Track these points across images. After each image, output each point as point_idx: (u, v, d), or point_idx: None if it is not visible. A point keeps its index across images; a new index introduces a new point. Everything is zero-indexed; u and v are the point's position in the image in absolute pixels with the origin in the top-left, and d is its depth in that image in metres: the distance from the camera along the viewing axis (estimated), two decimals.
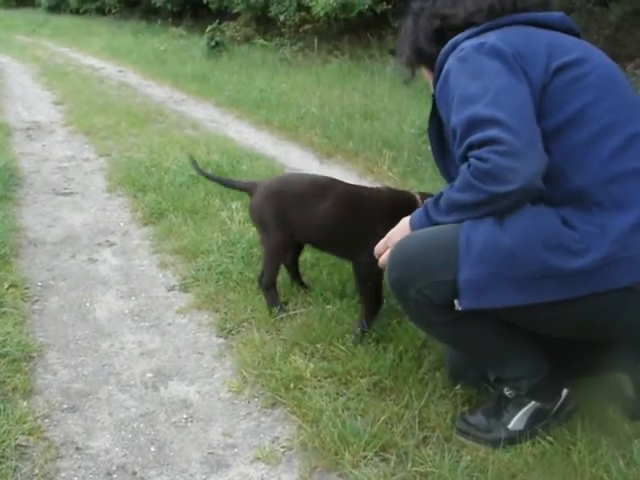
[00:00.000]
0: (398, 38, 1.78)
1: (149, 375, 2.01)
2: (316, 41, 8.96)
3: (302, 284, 2.45)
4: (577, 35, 1.58)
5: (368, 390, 1.83)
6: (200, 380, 1.98)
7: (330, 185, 2.19)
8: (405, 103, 5.51)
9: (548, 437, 1.61)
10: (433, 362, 1.93)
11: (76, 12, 20.72)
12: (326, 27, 9.45)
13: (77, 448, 1.69)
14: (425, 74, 1.74)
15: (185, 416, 1.82)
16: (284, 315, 2.24)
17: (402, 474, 1.53)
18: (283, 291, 2.40)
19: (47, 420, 1.78)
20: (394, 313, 2.17)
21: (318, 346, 2.04)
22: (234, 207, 3.21)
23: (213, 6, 11.99)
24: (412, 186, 3.10)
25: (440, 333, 1.65)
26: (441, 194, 1.49)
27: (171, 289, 2.58)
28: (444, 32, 1.60)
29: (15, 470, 1.57)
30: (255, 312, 2.29)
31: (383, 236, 1.65)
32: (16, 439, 1.66)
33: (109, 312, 2.41)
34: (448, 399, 1.77)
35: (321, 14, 8.25)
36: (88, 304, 2.47)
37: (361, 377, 1.88)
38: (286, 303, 2.34)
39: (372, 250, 1.68)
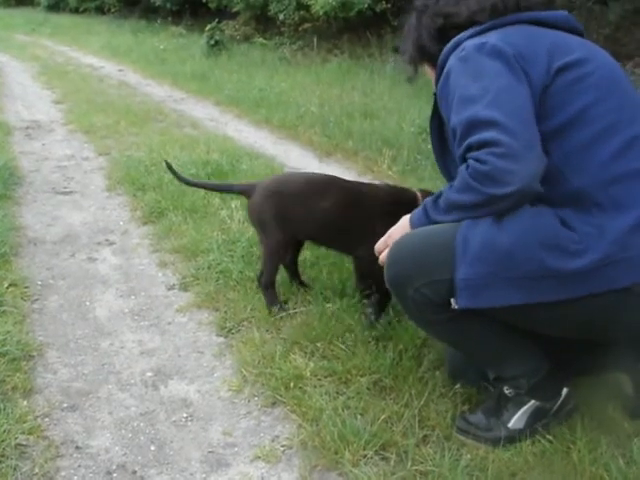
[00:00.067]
0: (401, 35, 1.77)
1: (149, 374, 2.01)
2: (315, 40, 8.95)
3: (301, 283, 2.46)
4: (581, 34, 1.58)
5: (368, 389, 1.83)
6: (200, 379, 1.98)
7: (329, 182, 2.22)
8: (405, 102, 5.51)
9: (548, 436, 1.61)
10: (433, 361, 1.93)
11: (75, 11, 20.71)
12: (325, 26, 9.45)
13: (77, 447, 1.68)
14: (428, 72, 1.74)
15: (185, 415, 1.82)
16: (284, 314, 2.24)
17: (402, 473, 1.53)
18: (283, 290, 2.40)
19: (47, 419, 1.78)
20: (394, 312, 2.17)
21: (318, 345, 2.04)
22: (234, 206, 3.21)
23: (212, 5, 11.99)
24: (412, 185, 3.09)
25: (439, 332, 1.65)
26: (441, 193, 1.49)
27: (171, 288, 2.58)
28: (447, 30, 1.60)
29: (15, 469, 1.57)
30: (255, 311, 2.29)
31: (382, 233, 1.64)
32: (16, 438, 1.66)
33: (109, 311, 2.41)
34: (448, 398, 1.77)
35: (320, 13, 8.25)
36: (88, 303, 2.47)
37: (361, 376, 1.88)
38: (286, 302, 2.34)
39: (372, 246, 1.68)
